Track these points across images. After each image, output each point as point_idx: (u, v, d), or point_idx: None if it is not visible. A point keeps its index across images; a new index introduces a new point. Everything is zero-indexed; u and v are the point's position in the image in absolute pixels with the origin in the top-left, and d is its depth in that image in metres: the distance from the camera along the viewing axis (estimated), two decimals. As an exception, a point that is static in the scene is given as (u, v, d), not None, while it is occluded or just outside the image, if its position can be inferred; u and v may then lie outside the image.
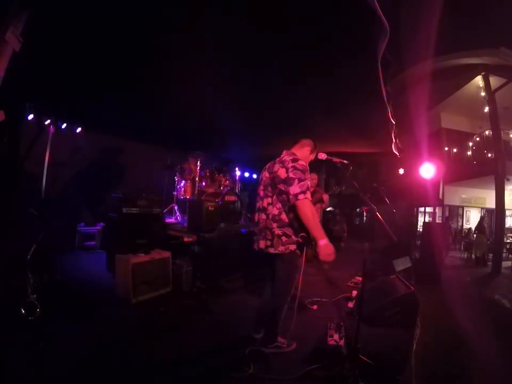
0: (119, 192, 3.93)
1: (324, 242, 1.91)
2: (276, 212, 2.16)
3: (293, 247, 2.12)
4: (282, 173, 2.12)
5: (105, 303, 3.05)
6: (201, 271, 3.75)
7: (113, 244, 3.89)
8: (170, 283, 3.58)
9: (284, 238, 2.12)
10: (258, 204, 2.33)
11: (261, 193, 2.32)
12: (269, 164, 2.35)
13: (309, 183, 2.07)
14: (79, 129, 5.34)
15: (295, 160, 2.15)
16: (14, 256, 2.70)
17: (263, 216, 2.24)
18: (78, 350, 2.11)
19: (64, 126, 5.11)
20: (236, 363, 2.10)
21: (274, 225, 2.14)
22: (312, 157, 2.45)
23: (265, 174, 2.32)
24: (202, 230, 3.74)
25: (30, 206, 4.67)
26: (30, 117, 4.58)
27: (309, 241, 2.09)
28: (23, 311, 2.00)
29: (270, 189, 2.23)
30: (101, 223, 5.83)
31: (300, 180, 2.03)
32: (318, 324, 2.84)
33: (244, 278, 4.30)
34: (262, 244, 2.21)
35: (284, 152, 2.34)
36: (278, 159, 2.29)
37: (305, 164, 2.16)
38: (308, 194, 2.01)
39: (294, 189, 2.01)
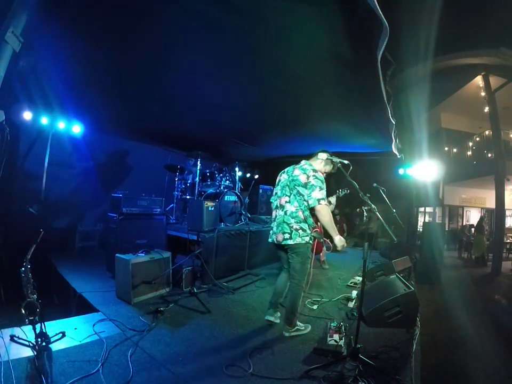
0: (119, 192, 3.93)
1: (338, 237, 2.44)
2: (293, 209, 2.50)
3: (307, 238, 2.50)
4: (303, 178, 2.49)
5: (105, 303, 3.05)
6: (201, 271, 3.75)
7: (113, 243, 3.89)
8: (170, 283, 3.58)
9: (301, 231, 2.47)
10: (275, 202, 2.70)
11: (279, 192, 2.68)
12: (288, 168, 2.72)
13: (325, 192, 2.46)
14: (79, 129, 5.34)
15: (315, 171, 2.53)
16: (14, 255, 2.70)
17: (281, 212, 2.58)
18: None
19: (64, 125, 5.11)
20: (236, 363, 2.10)
21: (292, 220, 2.49)
22: (326, 168, 2.71)
23: (284, 176, 2.69)
24: (202, 230, 3.75)
25: (29, 206, 4.69)
26: (30, 116, 4.57)
27: (321, 237, 2.66)
28: (23, 311, 2.00)
29: (287, 189, 2.57)
30: (101, 223, 5.84)
31: (321, 188, 2.43)
32: (318, 323, 2.86)
33: (244, 278, 4.30)
34: (279, 237, 2.53)
35: (303, 161, 2.65)
36: (297, 165, 2.63)
37: (323, 176, 2.55)
38: (326, 201, 2.44)
39: (316, 194, 2.39)
